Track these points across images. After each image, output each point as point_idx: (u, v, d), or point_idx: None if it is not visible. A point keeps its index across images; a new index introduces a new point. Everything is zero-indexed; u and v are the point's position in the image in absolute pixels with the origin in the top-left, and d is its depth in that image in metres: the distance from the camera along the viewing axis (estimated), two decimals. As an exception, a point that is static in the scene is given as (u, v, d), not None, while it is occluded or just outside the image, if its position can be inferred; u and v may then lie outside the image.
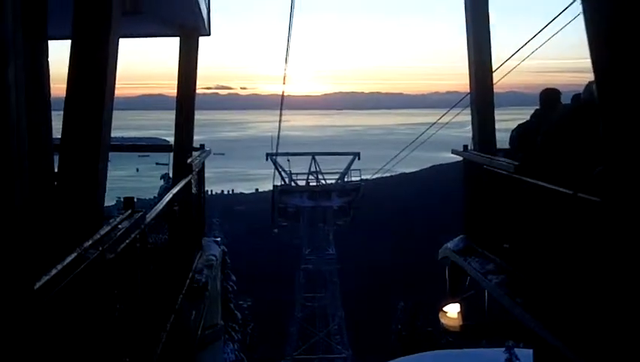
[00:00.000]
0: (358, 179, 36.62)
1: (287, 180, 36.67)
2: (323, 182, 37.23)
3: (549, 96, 7.11)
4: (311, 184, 36.97)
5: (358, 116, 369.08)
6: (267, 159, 36.43)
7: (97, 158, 3.87)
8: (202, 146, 8.90)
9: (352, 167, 36.75)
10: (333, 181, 37.10)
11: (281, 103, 28.11)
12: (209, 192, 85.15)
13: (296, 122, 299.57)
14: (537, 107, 7.17)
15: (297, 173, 37.64)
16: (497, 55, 8.56)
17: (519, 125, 7.26)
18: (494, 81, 8.37)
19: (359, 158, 36.54)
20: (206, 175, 8.86)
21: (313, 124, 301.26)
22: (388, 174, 54.29)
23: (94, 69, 3.80)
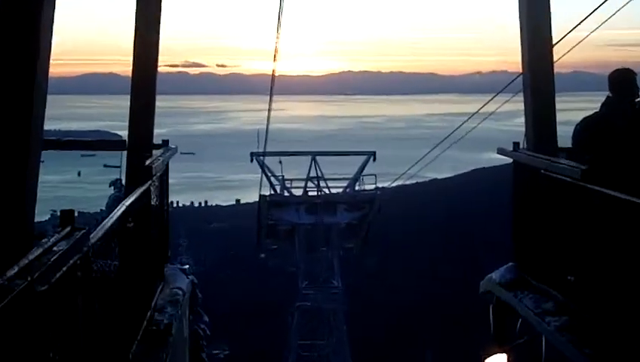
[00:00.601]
0: (372, 187, 36.86)
1: (278, 188, 36.79)
2: (326, 191, 37.42)
3: (622, 78, 7.14)
4: (310, 194, 37.13)
5: (374, 103, 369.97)
6: (252, 160, 36.64)
7: (26, 159, 3.84)
8: (166, 143, 9.00)
9: (366, 172, 36.85)
10: (340, 190, 37.30)
11: (272, 86, 27.83)
12: (174, 204, 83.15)
13: (292, 111, 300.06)
14: (609, 93, 7.18)
15: (292, 179, 37.82)
16: (558, 25, 8.59)
17: (585, 117, 7.27)
18: (555, 58, 8.42)
19: (375, 160, 36.65)
20: (171, 181, 9.03)
21: (314, 113, 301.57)
22: (413, 181, 54.25)
23: (21, 37, 3.74)
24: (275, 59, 25.19)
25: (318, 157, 38.16)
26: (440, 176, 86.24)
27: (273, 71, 26.90)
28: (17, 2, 3.77)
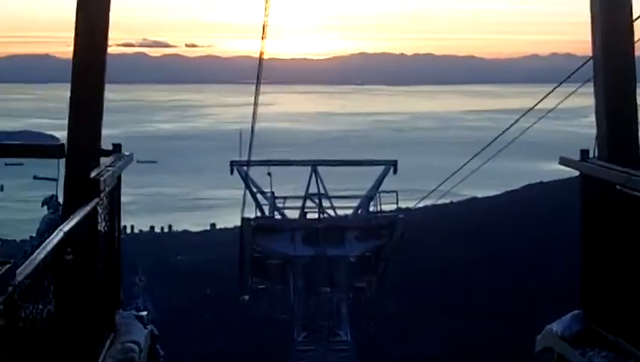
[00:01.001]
0: (393, 208, 37.05)
1: (267, 209, 36.95)
2: (331, 213, 37.57)
3: None
4: (309, 217, 37.22)
5: (394, 96, 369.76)
6: (232, 172, 36.89)
7: None
8: (118, 148, 9.14)
9: (383, 187, 37.09)
10: (350, 211, 37.47)
11: (259, 73, 27.51)
12: (129, 230, 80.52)
13: (285, 106, 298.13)
14: None
15: (286, 197, 38.10)
16: None
17: None
18: (637, 37, 8.48)
19: (396, 171, 36.89)
20: (125, 199, 9.16)
21: (315, 109, 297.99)
22: (446, 200, 54.02)
23: None
24: (263, 37, 25.05)
25: (319, 168, 38.03)
26: (482, 194, 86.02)
27: (261, 53, 26.26)
28: None
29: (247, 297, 38.13)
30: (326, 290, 37.18)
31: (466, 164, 27.47)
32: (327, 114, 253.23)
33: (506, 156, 26.69)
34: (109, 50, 8.58)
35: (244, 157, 35.44)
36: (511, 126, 21.59)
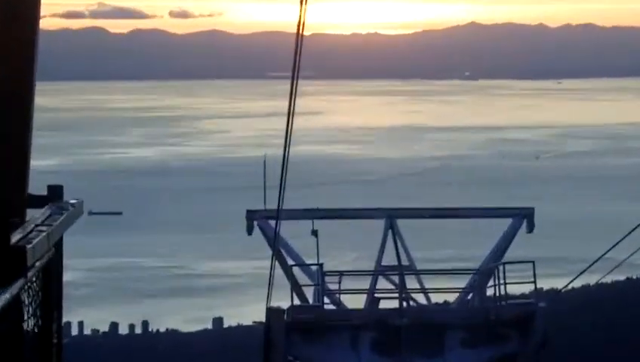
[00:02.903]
0: (526, 289, 35.75)
1: (310, 294, 34.25)
2: (421, 300, 35.21)
3: None
4: (383, 306, 34.54)
5: (525, 98, 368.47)
6: (251, 229, 35.23)
7: None
8: (56, 193, 8.81)
9: (510, 255, 35.29)
10: (453, 297, 36.84)
11: (297, 57, 22.49)
12: (75, 330, 71.61)
13: (340, 115, 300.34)
14: None
15: (342, 273, 36.05)
16: None
17: None
18: None
19: (531, 228, 34.85)
20: (69, 278, 7.73)
21: (390, 121, 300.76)
22: (619, 276, 50.84)
23: None
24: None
25: (400, 223, 36.21)
26: None
27: (300, 23, 21.20)
28: None
29: None
30: None
31: None
32: (412, 128, 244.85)
33: None
34: (44, 23, 8.11)
35: (272, 205, 31.38)
36: None
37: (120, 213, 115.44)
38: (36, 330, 7.93)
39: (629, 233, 27.64)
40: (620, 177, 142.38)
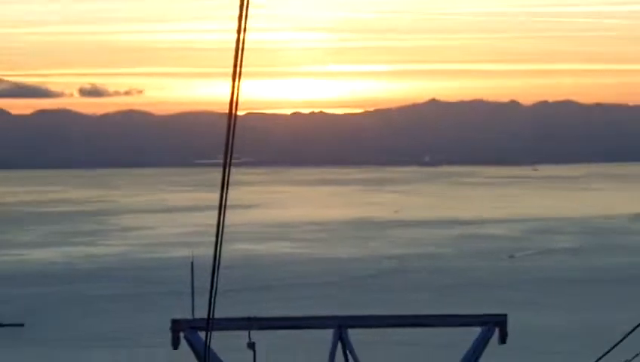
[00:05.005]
0: None
1: None
2: None
3: None
4: None
5: (491, 186, 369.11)
6: (177, 342, 33.89)
7: None
8: None
9: None
10: None
11: (229, 142, 21.83)
12: None
13: (284, 208, 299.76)
14: None
15: None
16: None
17: None
18: None
19: (504, 339, 33.37)
20: None
21: (339, 214, 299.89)
22: None
23: None
24: (235, 75, 20.21)
25: (352, 334, 34.84)
26: None
27: (233, 102, 20.77)
28: None
29: None
30: None
31: None
32: (366, 223, 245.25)
33: None
34: None
35: (201, 313, 30.90)
36: None
37: (22, 325, 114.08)
38: None
39: (614, 346, 27.52)
40: (606, 279, 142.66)
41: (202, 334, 33.33)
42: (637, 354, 28.20)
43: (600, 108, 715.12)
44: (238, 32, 18.81)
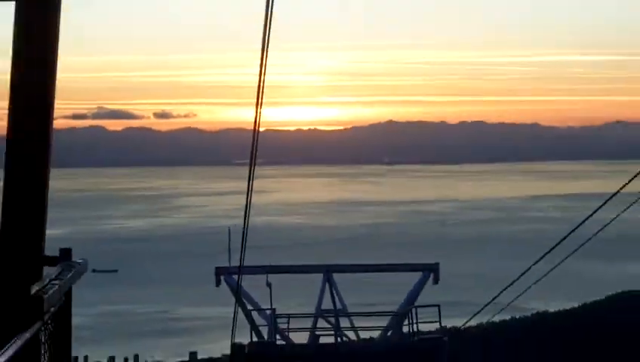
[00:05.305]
0: (433, 327, 33.46)
1: (266, 332, 33.13)
2: (352, 336, 34.11)
3: None
4: (322, 341, 33.43)
5: (432, 179, 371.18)
6: (219, 282, 34.39)
7: None
8: (66, 255, 8.51)
9: (421, 301, 33.65)
10: (376, 334, 34.53)
11: (254, 149, 22.03)
12: None
13: (290, 193, 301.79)
14: None
15: (290, 315, 34.69)
16: None
17: None
18: None
19: (437, 280, 33.97)
20: (76, 322, 8.87)
21: (328, 196, 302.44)
22: (506, 315, 50.01)
23: None
24: (258, 102, 20.57)
25: (335, 276, 35.44)
26: (555, 308, 74.36)
27: (256, 123, 21.26)
28: None
29: None
30: None
31: (530, 268, 22.94)
32: (345, 203, 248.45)
33: (587, 255, 25.30)
34: (56, 122, 8.34)
35: (235, 263, 30.79)
36: (592, 214, 16.86)
37: (116, 271, 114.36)
38: (50, 364, 7.82)
39: (512, 283, 25.43)
40: (509, 240, 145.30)
41: (235, 277, 33.57)
42: (524, 291, 27.65)
43: (503, 125, 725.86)
44: (260, 74, 19.12)
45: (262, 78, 18.17)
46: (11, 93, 7.92)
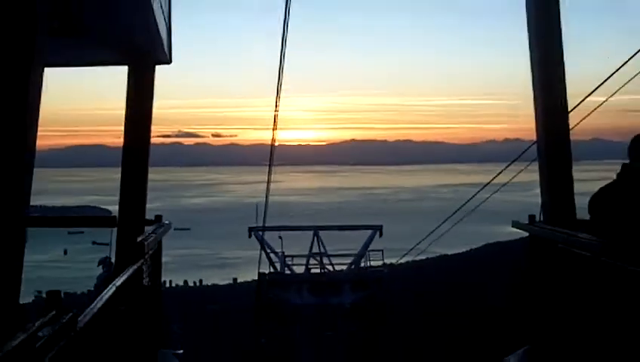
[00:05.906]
0: (379, 264, 35.00)
1: (278, 266, 34.93)
2: (330, 269, 35.63)
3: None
4: (313, 272, 35.52)
5: (380, 175, 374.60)
6: (250, 236, 35.53)
7: (12, 237, 3.49)
8: (159, 219, 8.74)
9: (371, 247, 35.18)
10: (345, 267, 35.48)
11: (271, 157, 26.79)
12: (167, 284, 73.89)
13: (292, 183, 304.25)
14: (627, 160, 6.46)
15: (293, 256, 36.18)
16: (575, 88, 7.93)
17: (602, 188, 6.67)
18: (571, 124, 7.93)
19: (381, 235, 35.15)
20: (164, 259, 8.60)
21: (315, 185, 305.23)
22: (422, 256, 51.77)
23: (9, 108, 3.40)
24: (274, 128, 23.93)
25: (320, 233, 36.56)
26: (451, 252, 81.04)
27: (272, 140, 25.86)
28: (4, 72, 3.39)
29: (263, 340, 36.29)
30: (328, 334, 35.78)
31: (437, 227, 26.59)
32: (326, 189, 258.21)
33: (470, 221, 25.52)
34: (153, 139, 8.25)
35: (260, 224, 34.42)
36: (473, 196, 21.13)
37: (189, 229, 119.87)
38: (149, 284, 8.10)
39: (427, 236, 29.48)
40: (421, 212, 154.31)
41: (261, 232, 36.15)
42: (434, 241, 30.12)
43: (426, 144, 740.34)
44: (276, 109, 21.58)
45: (276, 113, 21.52)
46: (126, 121, 8.16)
